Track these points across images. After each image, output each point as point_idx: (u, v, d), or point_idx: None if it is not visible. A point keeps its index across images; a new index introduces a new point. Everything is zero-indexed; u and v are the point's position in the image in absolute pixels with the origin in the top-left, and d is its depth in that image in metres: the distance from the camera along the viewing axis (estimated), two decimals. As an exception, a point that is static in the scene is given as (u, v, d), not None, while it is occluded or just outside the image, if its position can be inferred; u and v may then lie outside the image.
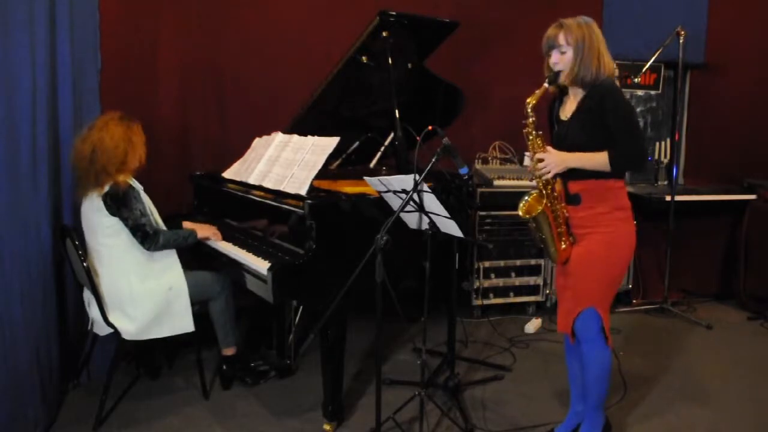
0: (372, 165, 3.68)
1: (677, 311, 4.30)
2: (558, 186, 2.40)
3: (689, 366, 3.47)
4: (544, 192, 2.33)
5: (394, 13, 2.99)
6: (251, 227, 3.13)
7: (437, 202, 2.38)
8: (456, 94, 3.49)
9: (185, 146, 4.02)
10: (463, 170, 2.36)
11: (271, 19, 4.11)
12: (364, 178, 2.59)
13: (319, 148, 2.86)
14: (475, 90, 4.15)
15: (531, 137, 2.32)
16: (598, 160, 2.25)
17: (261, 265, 2.61)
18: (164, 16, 3.87)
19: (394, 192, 2.48)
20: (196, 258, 3.16)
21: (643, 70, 4.07)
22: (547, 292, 4.30)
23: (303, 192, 2.70)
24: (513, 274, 4.20)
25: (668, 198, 4.17)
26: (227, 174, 3.40)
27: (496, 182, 4.08)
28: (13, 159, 2.47)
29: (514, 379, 3.28)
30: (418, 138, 2.46)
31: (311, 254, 2.55)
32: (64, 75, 2.84)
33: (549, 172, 2.30)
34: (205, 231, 3.01)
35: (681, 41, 4.09)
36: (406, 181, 2.36)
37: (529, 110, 2.29)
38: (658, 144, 4.68)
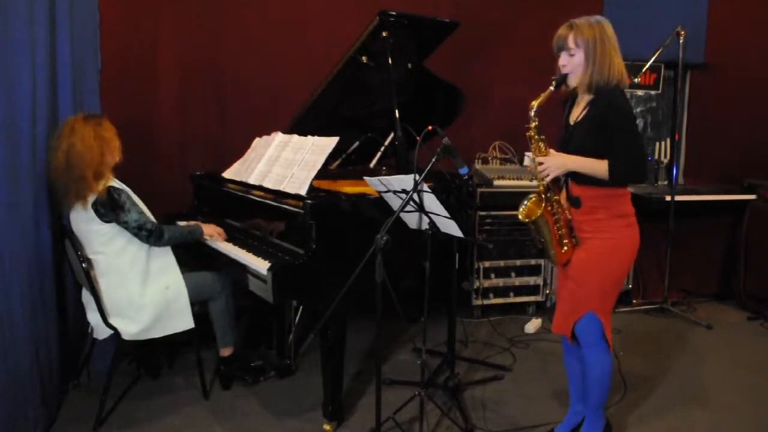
0: (372, 165, 3.68)
1: (677, 311, 4.30)
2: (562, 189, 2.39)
3: (689, 366, 3.47)
4: (543, 196, 2.32)
5: (394, 13, 2.99)
6: (251, 227, 3.13)
7: (437, 202, 2.38)
8: (456, 94, 3.49)
9: (185, 146, 4.02)
10: (463, 170, 2.36)
11: (271, 19, 4.11)
12: (364, 178, 2.59)
13: (319, 148, 2.86)
14: (475, 90, 4.15)
15: (534, 140, 2.30)
16: (598, 167, 2.22)
17: (261, 265, 2.61)
18: (164, 16, 3.87)
19: (394, 192, 2.48)
20: (196, 258, 3.16)
21: (643, 70, 4.07)
22: (547, 292, 4.29)
23: (303, 192, 2.70)
24: (513, 274, 4.20)
25: (668, 198, 4.17)
26: (227, 174, 3.40)
27: (496, 182, 4.08)
28: (13, 159, 2.46)
29: (514, 379, 3.28)
30: (418, 138, 2.46)
31: (311, 254, 2.55)
32: (64, 75, 2.84)
33: (548, 176, 2.28)
34: (210, 229, 3.01)
35: (681, 41, 4.09)
36: (406, 181, 2.36)
37: (532, 113, 2.26)
38: (658, 144, 4.68)
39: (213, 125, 4.09)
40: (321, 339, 2.66)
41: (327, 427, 2.69)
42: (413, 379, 3.08)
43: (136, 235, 2.70)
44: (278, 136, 3.23)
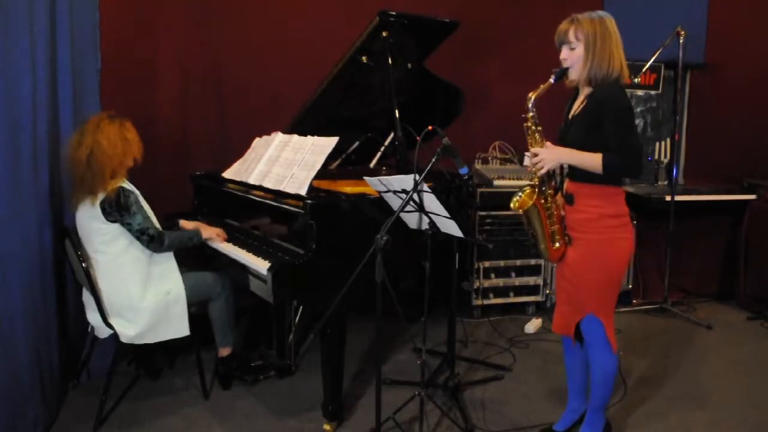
0: (372, 165, 3.68)
1: (677, 311, 4.30)
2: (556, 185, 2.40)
3: (689, 366, 3.47)
4: (538, 189, 2.32)
5: (394, 13, 2.99)
6: (251, 227, 3.13)
7: (437, 202, 2.38)
8: (456, 94, 3.50)
9: (185, 146, 4.02)
10: (463, 170, 2.36)
11: (271, 19, 4.11)
12: (364, 178, 2.59)
13: (319, 148, 2.86)
14: (475, 90, 4.16)
15: (530, 131, 2.31)
16: (592, 161, 2.21)
17: (261, 265, 2.61)
18: (164, 16, 3.87)
19: (394, 192, 2.48)
20: (196, 258, 3.16)
21: (643, 70, 4.07)
22: (547, 292, 4.29)
23: (303, 192, 2.70)
24: (513, 274, 4.20)
25: (668, 198, 4.17)
26: (227, 174, 3.41)
27: (496, 182, 4.08)
28: (14, 159, 2.47)
29: (514, 379, 3.28)
30: (418, 138, 2.46)
31: (311, 254, 2.55)
32: (64, 75, 2.84)
33: (542, 168, 2.29)
34: (209, 231, 3.01)
35: (681, 41, 4.08)
36: (406, 181, 2.36)
37: (529, 104, 2.28)
38: (658, 144, 4.67)
39: (213, 125, 4.09)
40: (321, 339, 2.66)
41: (327, 427, 2.69)
42: (413, 379, 3.08)
43: (138, 238, 2.71)
44: (278, 136, 3.23)
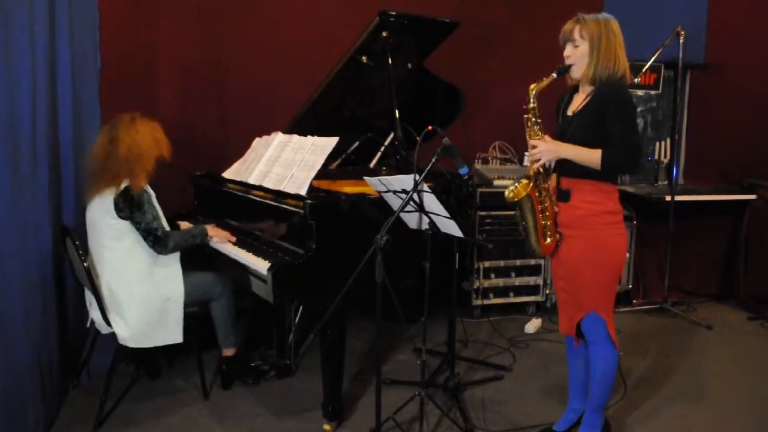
0: (372, 165, 3.68)
1: (677, 311, 4.30)
2: (552, 181, 2.40)
3: (689, 366, 3.47)
4: (533, 181, 2.33)
5: (394, 13, 2.99)
6: (251, 227, 3.13)
7: (437, 202, 2.38)
8: (456, 94, 3.50)
9: (185, 146, 4.01)
10: (463, 170, 2.36)
11: (271, 19, 4.11)
12: (364, 178, 2.59)
13: (319, 148, 2.86)
14: (475, 90, 4.15)
15: (530, 123, 2.32)
16: (591, 156, 2.22)
17: (261, 265, 2.61)
18: (164, 16, 3.87)
19: (394, 192, 2.48)
20: (197, 258, 3.16)
21: (643, 70, 4.07)
22: (547, 292, 4.29)
23: (303, 192, 2.70)
24: (513, 274, 4.20)
25: (668, 198, 4.17)
26: (227, 174, 3.41)
27: (496, 182, 4.08)
28: (13, 159, 2.47)
29: (514, 379, 3.28)
30: (418, 138, 2.46)
31: (311, 254, 2.55)
32: (64, 75, 2.84)
33: (539, 160, 2.29)
34: (215, 231, 3.00)
35: (681, 41, 4.09)
36: (406, 181, 2.36)
37: (531, 96, 2.29)
38: (658, 144, 4.68)
39: (213, 125, 4.09)
40: (321, 339, 2.66)
41: (327, 427, 2.69)
42: (413, 379, 3.08)
43: (144, 238, 2.72)
44: (278, 136, 3.23)
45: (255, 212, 3.09)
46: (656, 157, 4.67)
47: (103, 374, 2.88)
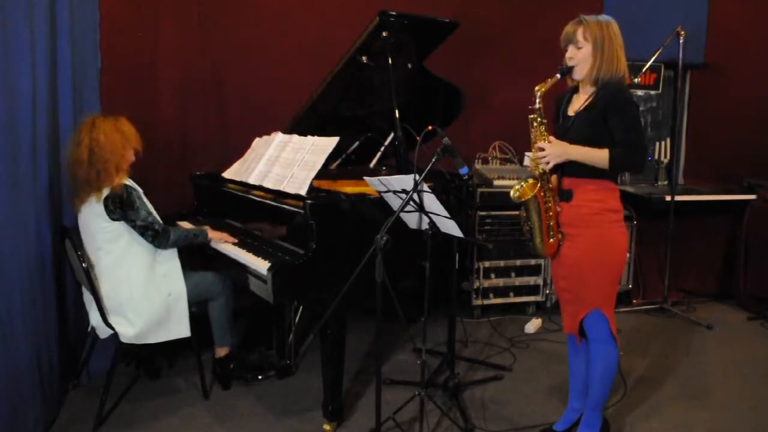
0: (372, 165, 3.68)
1: (677, 311, 4.30)
2: (553, 180, 2.40)
3: (689, 366, 3.47)
4: (539, 182, 2.34)
5: (394, 13, 2.99)
6: (251, 227, 3.13)
7: (437, 202, 2.38)
8: (456, 94, 3.49)
9: (185, 146, 4.02)
10: (463, 170, 2.36)
11: (271, 19, 4.11)
12: (364, 178, 2.59)
13: (319, 148, 2.86)
14: (475, 90, 4.15)
15: (536, 124, 2.32)
16: (599, 156, 2.24)
17: (261, 265, 2.61)
18: (164, 16, 3.87)
19: (394, 192, 2.48)
20: (196, 258, 3.16)
21: (643, 70, 4.06)
22: (547, 292, 4.29)
23: (303, 192, 2.69)
24: (513, 274, 4.20)
25: (668, 198, 4.17)
26: (227, 174, 3.40)
27: (496, 182, 4.08)
28: (13, 159, 2.47)
29: (514, 379, 3.28)
30: (418, 138, 2.46)
31: (311, 254, 2.55)
32: (64, 75, 2.84)
33: (548, 163, 2.30)
34: (216, 234, 2.99)
35: (681, 41, 4.09)
36: (406, 181, 2.36)
37: (536, 98, 2.29)
38: (658, 144, 4.67)
39: (213, 125, 4.08)
40: (321, 339, 2.66)
41: (327, 427, 2.69)
42: (413, 379, 3.08)
43: (142, 234, 2.71)
44: (278, 136, 3.23)
45: (255, 212, 3.09)
46: (656, 157, 4.66)
47: (103, 374, 2.88)
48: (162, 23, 3.86)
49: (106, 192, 2.65)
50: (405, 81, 3.33)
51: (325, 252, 2.56)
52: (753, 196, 4.40)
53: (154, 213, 2.80)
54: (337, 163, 3.61)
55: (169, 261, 2.83)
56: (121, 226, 2.70)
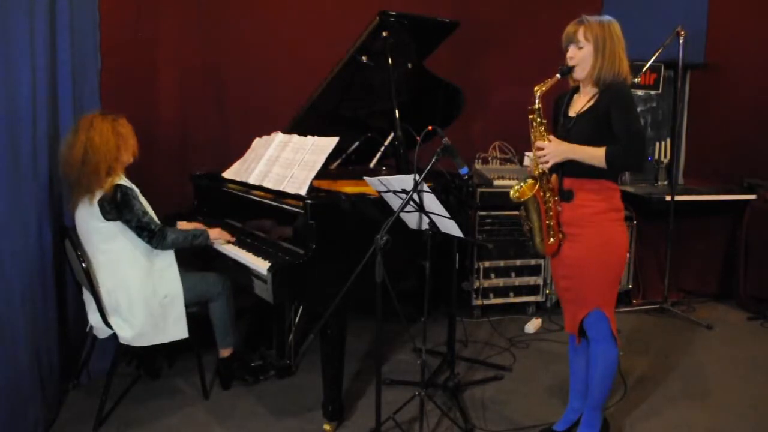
0: (372, 165, 3.68)
1: (677, 311, 4.30)
2: (553, 180, 2.40)
3: (689, 366, 3.47)
4: (539, 182, 2.34)
5: (394, 13, 2.99)
6: (251, 227, 3.13)
7: (437, 202, 2.38)
8: (456, 94, 3.49)
9: (185, 146, 4.02)
10: (463, 170, 2.36)
11: (270, 19, 4.11)
12: (364, 178, 2.59)
13: (319, 148, 2.86)
14: (475, 90, 4.15)
15: (535, 123, 2.32)
16: (598, 155, 2.24)
17: (261, 266, 2.61)
18: (164, 16, 3.87)
19: (394, 192, 2.48)
20: (196, 258, 3.16)
21: (643, 70, 4.06)
22: (547, 292, 4.29)
23: (303, 192, 2.69)
24: (513, 274, 4.20)
25: (668, 198, 4.17)
26: (227, 174, 3.40)
27: (496, 182, 4.08)
28: (14, 159, 2.47)
29: (514, 379, 3.28)
30: (418, 138, 2.46)
31: (311, 254, 2.55)
32: (64, 75, 2.84)
33: (547, 162, 2.30)
34: (216, 233, 2.99)
35: (681, 41, 4.08)
36: (406, 181, 2.36)
37: (536, 98, 2.29)
38: (658, 144, 4.67)
39: (213, 125, 4.09)
40: (321, 339, 2.66)
41: (327, 427, 2.69)
42: (413, 379, 3.08)
43: (138, 235, 2.69)
44: (278, 136, 3.23)
45: (255, 212, 3.09)
46: (656, 157, 4.66)
47: (103, 374, 2.88)
48: (162, 23, 3.86)
49: (99, 194, 2.63)
50: (405, 81, 3.33)
51: (325, 252, 2.56)
52: (753, 196, 4.39)
53: (151, 213, 2.78)
54: (337, 163, 3.61)
55: (166, 262, 2.81)
56: (116, 227, 2.68)
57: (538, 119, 2.32)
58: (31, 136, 2.57)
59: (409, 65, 3.35)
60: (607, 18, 2.32)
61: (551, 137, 2.32)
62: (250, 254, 2.80)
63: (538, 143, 2.32)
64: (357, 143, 3.57)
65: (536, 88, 2.29)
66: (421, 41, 3.28)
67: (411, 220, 2.62)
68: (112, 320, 2.73)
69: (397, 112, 3.06)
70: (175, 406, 2.92)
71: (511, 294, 4.22)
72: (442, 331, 3.34)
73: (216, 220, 3.36)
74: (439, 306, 3.91)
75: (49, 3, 2.67)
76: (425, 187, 2.36)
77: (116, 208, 2.65)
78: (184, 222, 3.22)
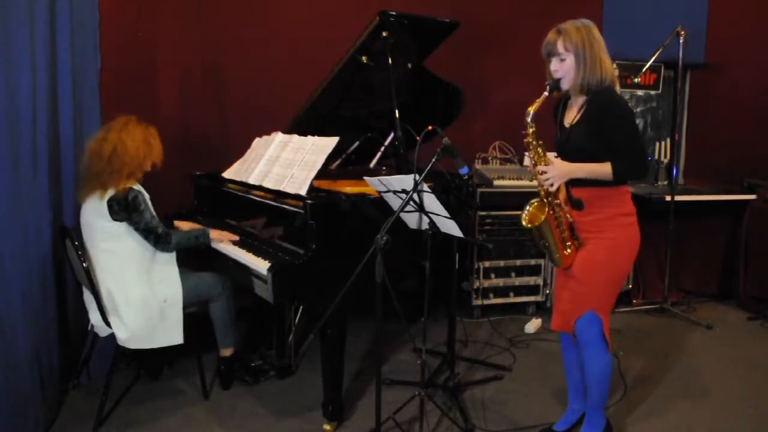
0: (372, 165, 3.68)
1: (677, 311, 4.30)
2: (561, 192, 2.39)
3: (689, 366, 3.47)
4: (545, 200, 2.32)
5: (394, 13, 2.99)
6: (251, 227, 3.13)
7: (437, 202, 2.38)
8: (456, 94, 3.49)
9: (185, 146, 4.02)
10: (463, 170, 2.36)
11: (271, 19, 4.11)
12: (364, 178, 2.59)
13: (319, 148, 2.86)
14: (475, 90, 4.15)
15: (531, 147, 2.30)
16: (602, 171, 2.24)
17: (261, 265, 2.61)
18: (164, 16, 3.87)
19: (394, 192, 2.48)
20: (196, 258, 3.16)
21: (643, 70, 4.06)
22: (547, 292, 4.29)
23: (303, 192, 2.70)
24: (513, 274, 4.20)
25: (668, 198, 4.17)
26: (227, 174, 3.40)
27: (496, 182, 4.08)
28: (13, 159, 2.47)
29: (514, 379, 3.28)
30: (418, 138, 2.46)
31: (311, 254, 2.55)
32: (64, 75, 2.84)
33: (552, 185, 2.28)
34: (217, 233, 2.99)
35: (681, 41, 4.08)
36: (406, 181, 2.36)
37: (528, 120, 2.26)
38: (658, 144, 4.67)
39: (213, 125, 4.09)
40: (321, 339, 2.66)
41: (327, 427, 2.69)
42: (413, 379, 3.08)
43: (145, 237, 2.72)
44: (278, 136, 3.23)
45: (255, 212, 3.09)
46: (656, 157, 4.66)
47: (103, 374, 2.88)
48: (162, 23, 3.86)
49: (111, 192, 2.66)
50: (405, 81, 3.33)
51: (325, 252, 2.56)
52: (753, 196, 4.40)
53: (156, 218, 2.80)
54: (337, 163, 3.61)
55: (167, 266, 2.82)
56: (121, 227, 2.70)
57: (534, 142, 2.29)
58: (31, 136, 2.57)
59: (409, 65, 3.35)
60: (583, 21, 2.29)
61: (551, 158, 2.31)
62: (251, 254, 2.80)
63: (539, 168, 2.30)
64: (357, 143, 3.57)
65: (528, 110, 2.26)
66: (421, 41, 3.28)
67: (411, 220, 2.62)
68: (111, 320, 2.73)
69: (397, 112, 3.06)
70: (175, 407, 2.92)
71: (511, 294, 4.22)
72: (442, 331, 3.35)
73: (216, 220, 3.36)
74: (439, 306, 3.91)
75: (49, 3, 2.67)
76: (425, 187, 2.36)
77: (125, 210, 2.67)
78: (185, 222, 3.21)
